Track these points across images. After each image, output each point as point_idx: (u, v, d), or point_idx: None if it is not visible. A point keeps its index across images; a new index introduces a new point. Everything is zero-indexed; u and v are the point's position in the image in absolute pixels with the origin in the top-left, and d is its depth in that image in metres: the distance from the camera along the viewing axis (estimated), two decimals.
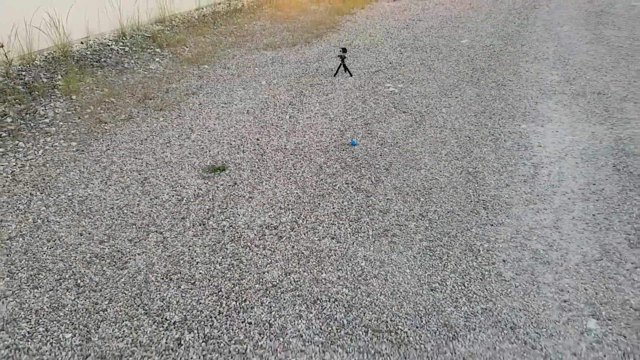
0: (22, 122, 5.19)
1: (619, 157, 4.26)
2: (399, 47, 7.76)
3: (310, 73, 6.66)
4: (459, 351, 2.49)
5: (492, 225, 3.44)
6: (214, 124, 5.15)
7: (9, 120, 5.22)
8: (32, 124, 5.13)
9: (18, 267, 3.15)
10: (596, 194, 3.74)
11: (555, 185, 3.88)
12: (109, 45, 7.36)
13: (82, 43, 7.12)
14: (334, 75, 6.43)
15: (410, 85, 6.14)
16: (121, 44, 7.49)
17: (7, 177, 4.19)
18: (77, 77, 6.08)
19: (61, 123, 5.16)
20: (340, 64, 6.42)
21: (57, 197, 3.91)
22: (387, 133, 4.87)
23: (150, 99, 5.76)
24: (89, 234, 3.47)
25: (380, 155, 4.46)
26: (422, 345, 2.53)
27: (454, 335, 2.59)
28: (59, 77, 6.28)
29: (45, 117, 5.32)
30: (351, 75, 6.43)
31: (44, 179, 4.17)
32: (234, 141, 4.78)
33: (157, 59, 7.17)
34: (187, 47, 7.79)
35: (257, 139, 4.81)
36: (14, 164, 4.41)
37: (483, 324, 2.64)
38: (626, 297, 2.79)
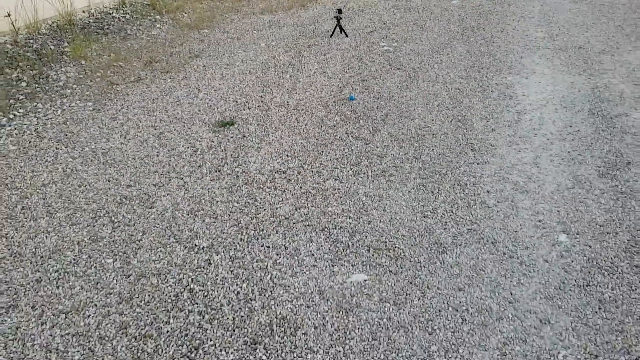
0: (36, 85, 5.50)
1: (594, 103, 4.66)
2: (392, 9, 8.04)
3: (307, 35, 6.96)
4: (447, 262, 2.92)
5: (478, 163, 3.85)
6: (219, 84, 5.48)
7: (24, 84, 5.53)
8: (46, 88, 5.44)
9: (55, 208, 3.54)
10: (572, 134, 4.15)
11: (536, 128, 4.28)
12: (110, 14, 7.60)
13: (84, 12, 7.36)
14: (330, 36, 6.74)
15: (404, 44, 6.46)
16: (122, 11, 7.73)
17: (32, 134, 4.54)
18: (83, 44, 6.35)
19: (74, 86, 5.47)
20: (336, 25, 6.72)
21: (81, 150, 4.27)
22: (382, 88, 5.23)
23: (156, 62, 6.07)
24: (116, 180, 3.85)
25: (377, 108, 4.82)
26: (415, 258, 2.96)
27: (443, 249, 3.02)
28: (66, 44, 6.54)
29: (59, 81, 5.63)
30: (347, 36, 6.73)
31: (66, 135, 4.52)
32: (240, 99, 5.13)
33: (158, 25, 7.43)
34: (185, 13, 8.03)
35: (261, 97, 5.16)
36: (36, 122, 4.75)
37: (468, 241, 3.07)
38: (593, 216, 3.22)
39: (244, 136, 4.43)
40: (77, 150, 4.27)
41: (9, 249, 3.16)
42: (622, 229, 3.07)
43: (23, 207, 3.56)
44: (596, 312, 2.52)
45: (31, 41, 6.44)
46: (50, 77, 5.66)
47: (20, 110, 4.94)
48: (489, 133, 4.23)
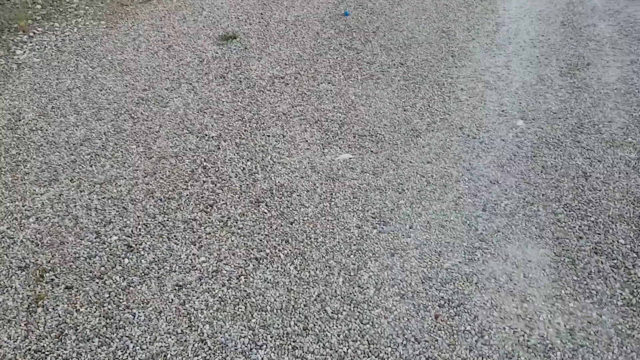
0: (51, 7, 5.87)
1: (567, 16, 5.04)
2: None
3: None
4: (420, 143, 3.44)
5: (456, 67, 4.30)
6: (222, 2, 5.84)
7: (38, 6, 5.90)
8: (60, 9, 5.81)
9: (81, 107, 4.04)
10: (542, 42, 4.57)
11: (511, 37, 4.70)
12: None
13: None
14: None
15: None
16: None
17: (52, 49, 4.98)
18: None
19: (87, 7, 5.84)
20: None
21: (99, 61, 4.73)
22: (375, 4, 5.58)
23: None
24: (132, 85, 4.34)
25: (369, 22, 5.21)
26: (394, 141, 3.48)
27: (418, 134, 3.53)
28: None
29: (71, 3, 5.99)
30: None
31: (84, 49, 4.96)
32: (241, 16, 5.51)
33: None
34: None
35: (261, 14, 5.54)
36: (55, 39, 5.18)
37: (439, 127, 3.58)
38: (549, 106, 3.71)
39: (246, 48, 4.86)
40: (95, 61, 4.73)
41: (45, 139, 3.69)
42: (572, 115, 3.57)
43: (52, 107, 4.06)
44: (538, 174, 3.06)
45: None
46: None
47: (38, 29, 5.35)
48: (469, 42, 4.65)
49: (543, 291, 2.46)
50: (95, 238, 2.82)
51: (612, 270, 2.56)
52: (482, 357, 2.18)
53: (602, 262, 2.60)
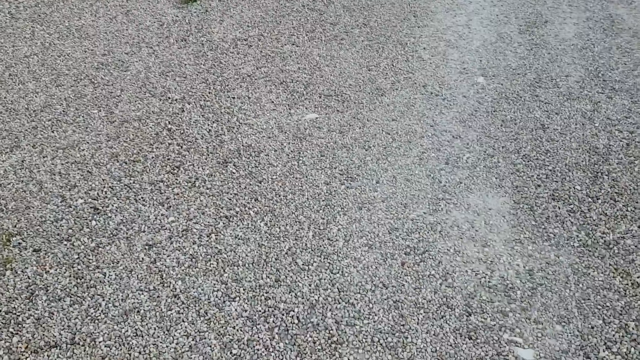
0: None
1: None
2: None
3: None
4: (385, 101, 3.49)
5: (418, 27, 4.34)
6: None
7: None
8: None
9: (40, 74, 3.93)
10: (502, 1, 4.64)
11: None
12: None
13: None
14: None
15: None
16: None
17: (6, 16, 4.79)
18: None
19: None
20: None
21: (56, 28, 4.57)
22: None
23: None
24: (92, 50, 4.23)
25: None
26: (359, 100, 3.52)
27: (382, 93, 3.57)
28: None
29: None
30: None
31: (39, 16, 4.78)
32: None
33: None
34: None
35: None
36: (8, 7, 4.97)
37: (403, 86, 3.63)
38: (509, 63, 3.80)
39: (207, 11, 4.78)
40: (52, 27, 4.57)
41: (3, 106, 3.58)
42: (531, 70, 3.67)
43: (10, 74, 3.94)
44: (498, 128, 3.16)
45: None
46: None
47: None
48: (430, 2, 4.68)
49: (503, 236, 2.57)
50: (60, 202, 2.79)
51: (569, 215, 2.69)
52: (446, 298, 2.28)
53: (559, 208, 2.73)
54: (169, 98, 3.63)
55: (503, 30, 4.17)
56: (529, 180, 2.89)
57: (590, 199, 2.79)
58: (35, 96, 3.67)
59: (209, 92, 3.69)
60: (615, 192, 2.83)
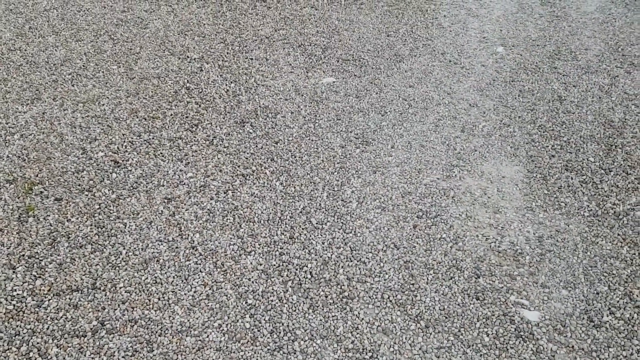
0: None
1: None
2: None
3: None
4: (403, 68, 3.49)
5: None
6: None
7: None
8: None
9: (59, 28, 3.95)
10: None
11: None
12: None
13: None
14: None
15: None
16: None
17: None
18: None
19: None
20: None
21: None
22: None
23: None
24: (111, 7, 4.23)
25: None
26: (377, 65, 3.52)
27: (401, 59, 3.57)
28: None
29: None
30: None
31: None
32: None
33: None
34: None
35: None
36: None
37: (422, 53, 3.62)
38: (529, 33, 3.77)
39: None
40: None
41: (24, 59, 3.62)
42: (551, 42, 3.64)
43: (30, 27, 3.96)
44: (515, 98, 3.16)
45: None
46: None
47: None
48: None
49: (515, 203, 2.61)
50: (81, 154, 2.85)
51: (581, 185, 2.72)
52: (456, 261, 2.34)
53: (572, 178, 2.75)
54: (188, 57, 3.65)
55: (524, 1, 4.12)
56: (543, 150, 2.92)
57: (602, 171, 2.81)
58: (55, 50, 3.70)
59: (227, 53, 3.70)
60: (628, 165, 2.84)
